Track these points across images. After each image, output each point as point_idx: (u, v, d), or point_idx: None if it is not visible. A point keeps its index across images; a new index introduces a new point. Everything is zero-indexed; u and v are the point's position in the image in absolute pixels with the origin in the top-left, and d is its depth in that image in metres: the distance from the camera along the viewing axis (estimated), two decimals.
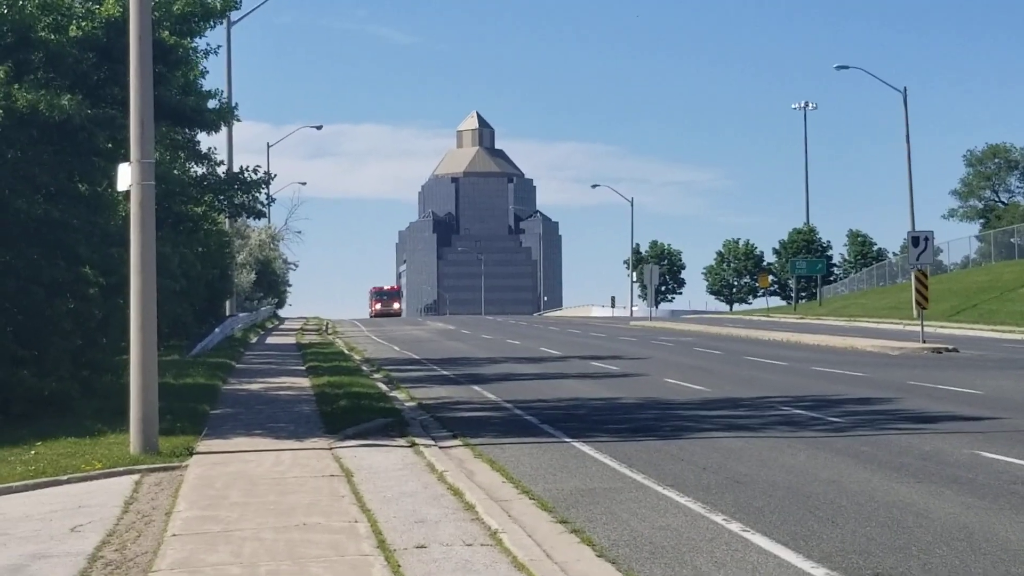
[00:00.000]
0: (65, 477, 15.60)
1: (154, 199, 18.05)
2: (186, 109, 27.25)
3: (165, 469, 16.40)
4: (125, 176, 17.82)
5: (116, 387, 22.97)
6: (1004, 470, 15.41)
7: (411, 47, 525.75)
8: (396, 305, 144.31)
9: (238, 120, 33.15)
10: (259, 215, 36.51)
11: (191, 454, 17.57)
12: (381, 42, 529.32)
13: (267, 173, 33.82)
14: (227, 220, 51.84)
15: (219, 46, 31.50)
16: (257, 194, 33.43)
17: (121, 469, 16.18)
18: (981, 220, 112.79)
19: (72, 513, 13.39)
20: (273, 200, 38.76)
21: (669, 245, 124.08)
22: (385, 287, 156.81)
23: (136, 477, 15.78)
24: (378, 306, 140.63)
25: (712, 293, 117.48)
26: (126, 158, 18.22)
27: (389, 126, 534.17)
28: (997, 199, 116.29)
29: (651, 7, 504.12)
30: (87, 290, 23.01)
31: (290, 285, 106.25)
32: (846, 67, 75.90)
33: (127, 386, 18.03)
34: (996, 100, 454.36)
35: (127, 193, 18.12)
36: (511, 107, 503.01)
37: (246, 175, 32.99)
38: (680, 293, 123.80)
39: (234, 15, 52.28)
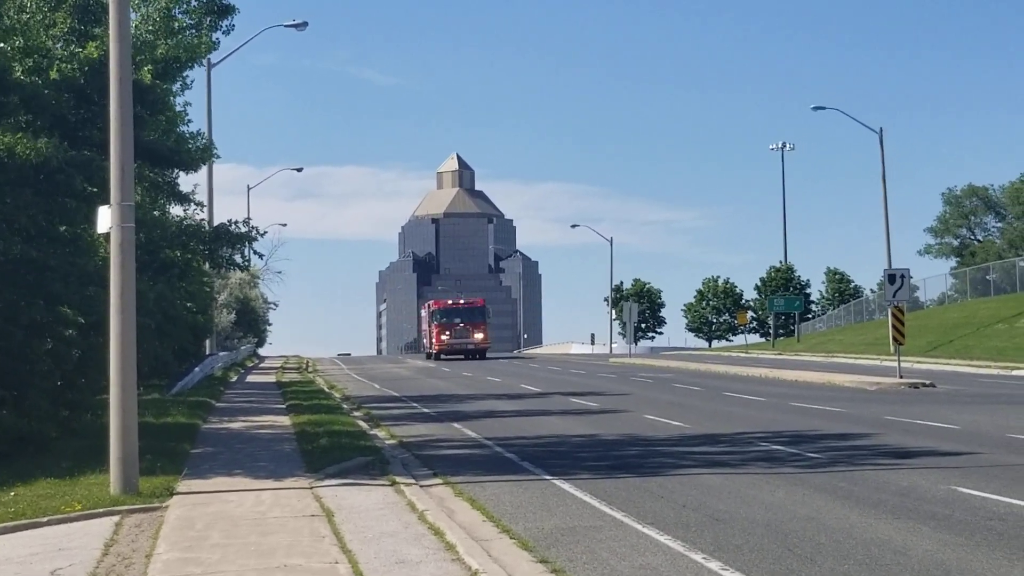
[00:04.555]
0: (45, 519, 15.56)
1: (134, 241, 18.10)
2: (164, 149, 27.32)
3: (145, 510, 16.37)
4: (105, 218, 17.88)
5: (96, 427, 22.91)
6: (980, 506, 15.52)
7: (392, 89, 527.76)
8: (479, 335, 79.92)
9: (218, 157, 32.87)
10: (241, 268, 36.26)
11: (171, 494, 17.54)
12: (362, 84, 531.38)
13: (254, 228, 32.31)
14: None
15: (193, 80, 31.37)
16: (242, 247, 32.26)
17: (101, 510, 16.15)
18: (956, 257, 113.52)
19: (52, 556, 13.36)
20: (258, 256, 37.61)
21: (649, 284, 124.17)
22: (461, 300, 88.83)
23: (116, 518, 15.75)
24: (445, 336, 79.02)
25: (692, 330, 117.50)
26: (105, 200, 18.27)
27: (370, 168, 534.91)
28: (972, 237, 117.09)
29: (631, 51, 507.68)
30: (65, 330, 22.98)
31: (270, 324, 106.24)
32: (823, 108, 76.53)
33: (107, 426, 18.01)
34: (972, 136, 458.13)
35: (107, 235, 18.18)
36: (491, 148, 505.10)
37: (233, 228, 31.65)
38: (661, 333, 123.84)
39: (214, 57, 52.65)
